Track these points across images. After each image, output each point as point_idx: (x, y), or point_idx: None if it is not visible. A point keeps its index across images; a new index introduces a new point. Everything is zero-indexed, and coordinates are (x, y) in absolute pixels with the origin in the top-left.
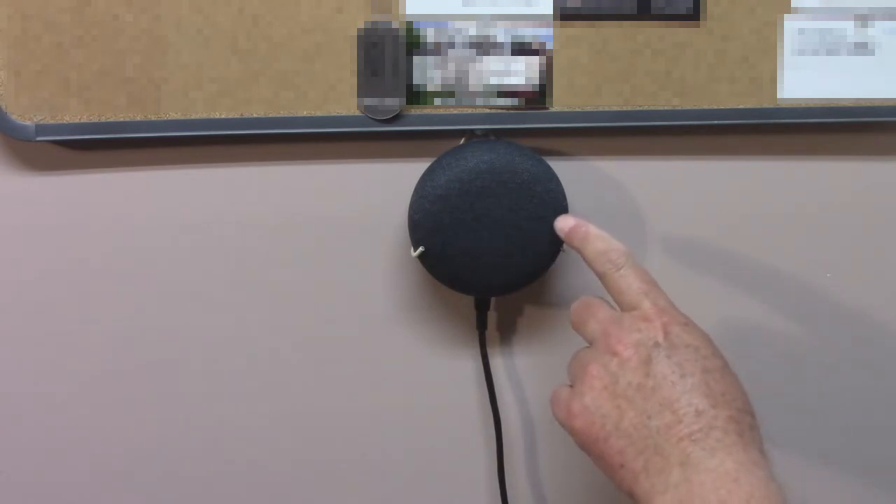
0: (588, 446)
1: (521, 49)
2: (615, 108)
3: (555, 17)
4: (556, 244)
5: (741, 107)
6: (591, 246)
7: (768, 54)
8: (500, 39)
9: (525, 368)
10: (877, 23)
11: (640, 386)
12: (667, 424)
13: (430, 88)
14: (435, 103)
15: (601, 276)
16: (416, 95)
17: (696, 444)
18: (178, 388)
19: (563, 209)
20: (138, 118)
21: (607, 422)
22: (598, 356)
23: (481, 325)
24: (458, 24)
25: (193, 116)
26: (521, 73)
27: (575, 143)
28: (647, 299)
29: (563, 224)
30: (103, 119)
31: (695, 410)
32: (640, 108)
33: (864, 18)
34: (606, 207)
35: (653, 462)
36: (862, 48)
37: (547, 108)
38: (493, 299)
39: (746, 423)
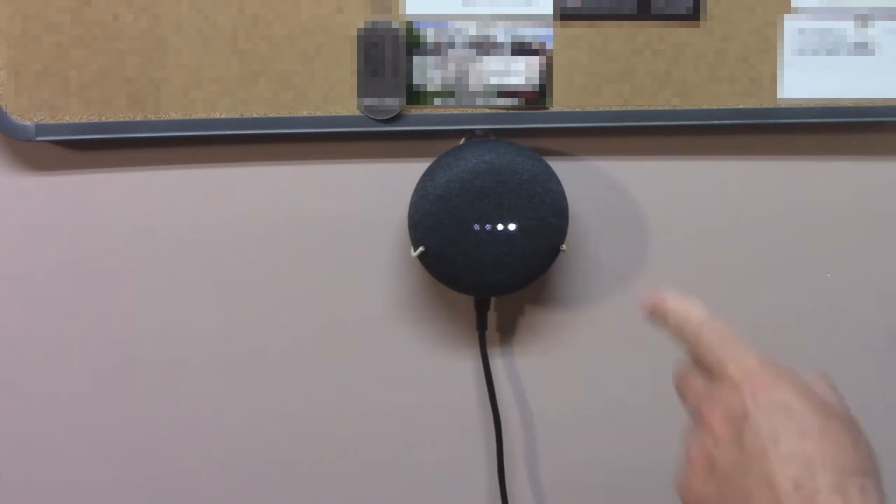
0: None
1: (521, 49)
2: (615, 108)
3: (555, 17)
4: (555, 244)
5: (741, 107)
6: (671, 316)
7: (768, 54)
8: (500, 39)
9: (525, 368)
10: (877, 23)
11: (738, 463)
12: (767, 500)
13: (430, 88)
14: (435, 103)
15: (684, 345)
16: (416, 95)
17: None
18: (178, 387)
19: (564, 209)
20: (138, 118)
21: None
22: (697, 435)
23: (481, 325)
24: (458, 24)
25: (193, 116)
26: (521, 73)
27: (575, 143)
28: (732, 363)
29: (643, 302)
30: (103, 119)
31: (793, 484)
32: (640, 108)
33: (864, 18)
34: (606, 207)
35: None
36: (862, 48)
37: (547, 108)
38: (493, 299)
39: (856, 487)
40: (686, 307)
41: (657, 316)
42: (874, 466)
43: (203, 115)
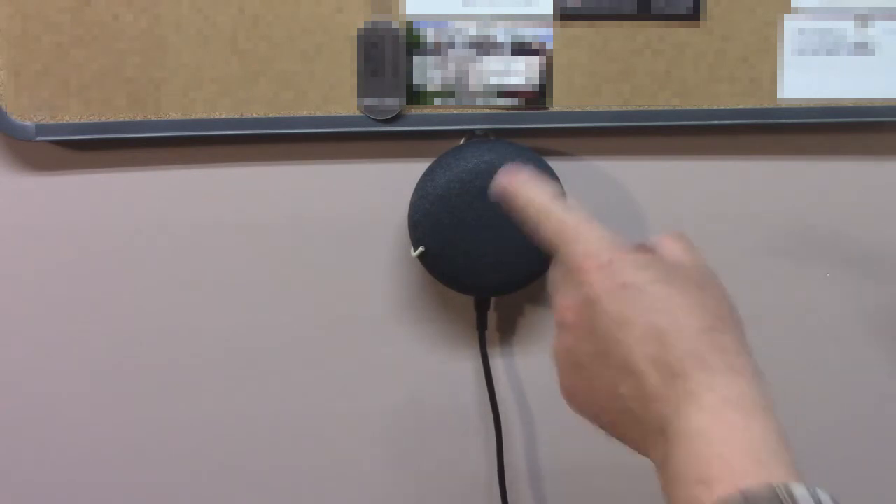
0: (599, 428)
1: (521, 49)
2: (615, 108)
3: (555, 17)
4: None
5: (741, 107)
6: (521, 199)
7: (768, 54)
8: (500, 39)
9: (525, 368)
10: (877, 23)
11: (596, 354)
12: (633, 388)
13: (430, 88)
14: (435, 103)
15: (535, 231)
16: (416, 95)
17: (666, 404)
18: (178, 387)
19: None
20: (138, 118)
21: (589, 402)
22: (556, 331)
23: (481, 325)
24: (458, 24)
25: (193, 116)
26: (521, 73)
27: (575, 143)
28: (578, 247)
29: (497, 183)
30: (103, 119)
31: (651, 363)
32: (640, 108)
33: (864, 18)
34: (606, 207)
35: (640, 435)
36: (862, 48)
37: (547, 108)
38: (493, 299)
39: (713, 347)
40: (535, 191)
41: (507, 199)
42: (732, 320)
43: (203, 115)
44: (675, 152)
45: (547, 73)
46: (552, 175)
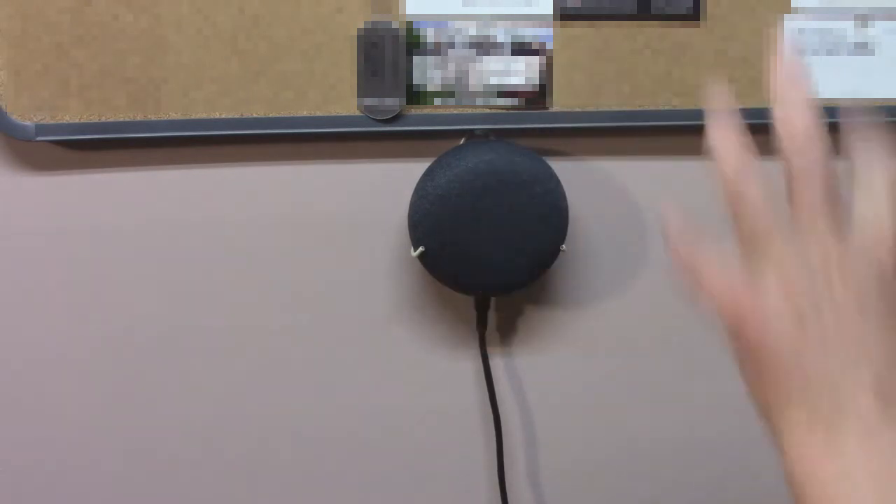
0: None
1: (521, 49)
2: (615, 108)
3: (555, 17)
4: (555, 244)
5: (741, 107)
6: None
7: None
8: (500, 39)
9: (525, 368)
10: (877, 23)
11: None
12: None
13: (430, 88)
14: (435, 103)
15: None
16: (416, 95)
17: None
18: (178, 387)
19: (564, 209)
20: (138, 118)
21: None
22: (792, 251)
23: (481, 325)
24: (458, 24)
25: (193, 116)
26: (521, 73)
27: (575, 143)
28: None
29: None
30: (103, 119)
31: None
32: (640, 108)
33: (864, 18)
34: (606, 207)
35: (808, 410)
36: (862, 48)
37: (547, 108)
38: (493, 299)
39: None
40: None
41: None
42: None
43: (203, 115)
44: (675, 152)
45: (547, 73)
46: (552, 175)
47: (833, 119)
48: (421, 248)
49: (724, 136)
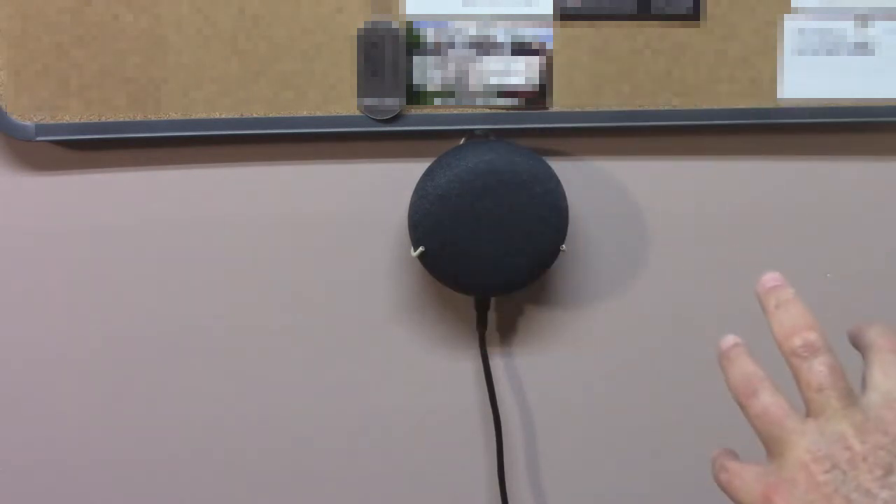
0: None
1: (521, 49)
2: (615, 108)
3: (555, 17)
4: (555, 244)
5: (741, 107)
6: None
7: (768, 54)
8: (500, 39)
9: (525, 368)
10: (877, 23)
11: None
12: None
13: (430, 88)
14: (435, 103)
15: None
16: (416, 95)
17: None
18: (178, 387)
19: (564, 209)
20: (138, 118)
21: None
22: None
23: (481, 325)
24: (458, 24)
25: (193, 116)
26: (521, 73)
27: (575, 143)
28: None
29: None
30: (103, 119)
31: None
32: (640, 108)
33: (864, 18)
34: (606, 207)
35: None
36: (862, 48)
37: (547, 108)
38: (493, 299)
39: None
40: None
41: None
42: None
43: (203, 115)
44: (675, 152)
45: (547, 73)
46: (552, 175)
47: (833, 119)
48: (421, 248)
49: (735, 360)
